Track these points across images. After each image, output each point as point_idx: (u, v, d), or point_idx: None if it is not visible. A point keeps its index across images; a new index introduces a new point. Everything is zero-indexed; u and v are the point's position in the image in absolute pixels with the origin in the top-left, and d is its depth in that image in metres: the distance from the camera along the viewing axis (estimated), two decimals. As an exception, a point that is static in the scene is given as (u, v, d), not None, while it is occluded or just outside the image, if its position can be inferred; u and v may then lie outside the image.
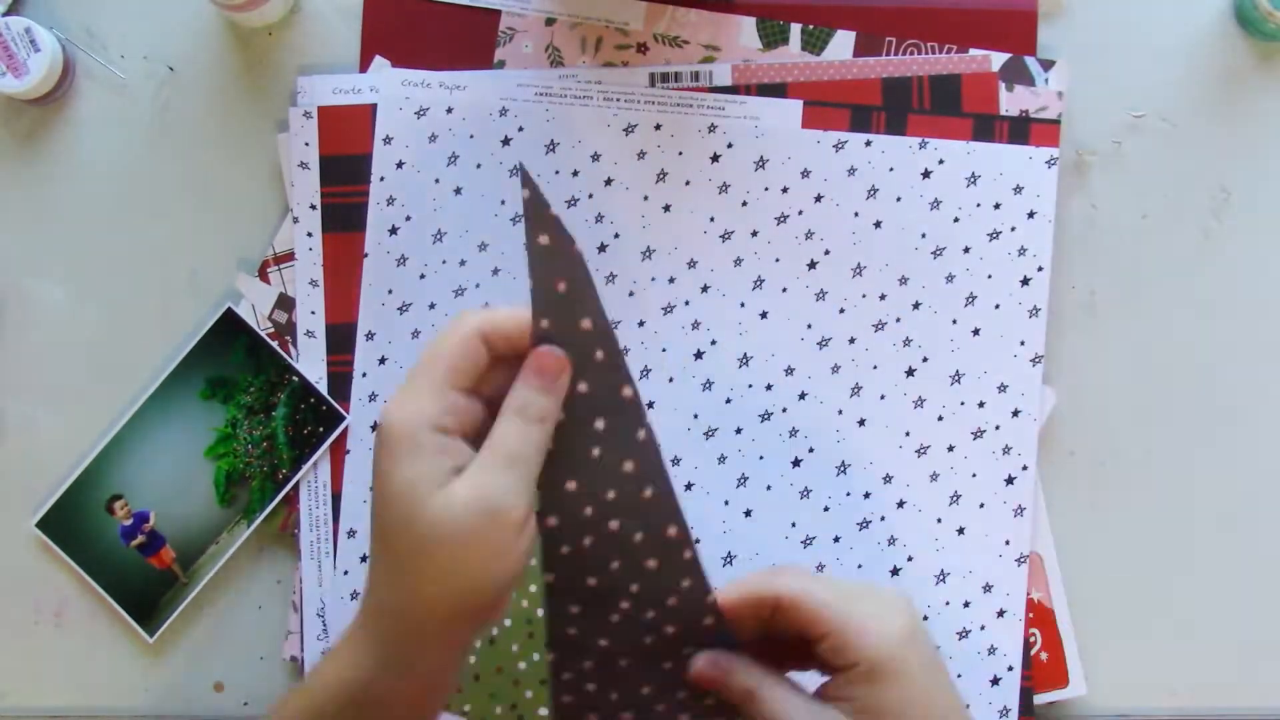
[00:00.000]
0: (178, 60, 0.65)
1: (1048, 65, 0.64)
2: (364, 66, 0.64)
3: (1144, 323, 0.65)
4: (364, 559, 0.63)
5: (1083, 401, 0.64)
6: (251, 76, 0.65)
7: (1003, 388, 0.63)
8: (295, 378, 0.63)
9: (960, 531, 0.62)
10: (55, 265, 0.65)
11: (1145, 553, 0.64)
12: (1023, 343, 0.63)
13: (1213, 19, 0.65)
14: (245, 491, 0.63)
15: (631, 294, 0.63)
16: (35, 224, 0.65)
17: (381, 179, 0.64)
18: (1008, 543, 0.63)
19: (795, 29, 0.64)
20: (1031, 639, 0.63)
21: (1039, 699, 0.63)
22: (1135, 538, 0.64)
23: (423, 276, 0.64)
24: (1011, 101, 0.64)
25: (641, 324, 0.63)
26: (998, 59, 0.64)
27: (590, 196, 0.64)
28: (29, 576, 0.64)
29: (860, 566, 0.63)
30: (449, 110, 0.64)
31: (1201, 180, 0.65)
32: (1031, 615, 0.63)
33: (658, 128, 0.64)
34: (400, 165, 0.64)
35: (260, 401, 0.63)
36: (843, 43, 0.64)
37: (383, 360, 0.64)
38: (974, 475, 0.63)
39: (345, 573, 0.63)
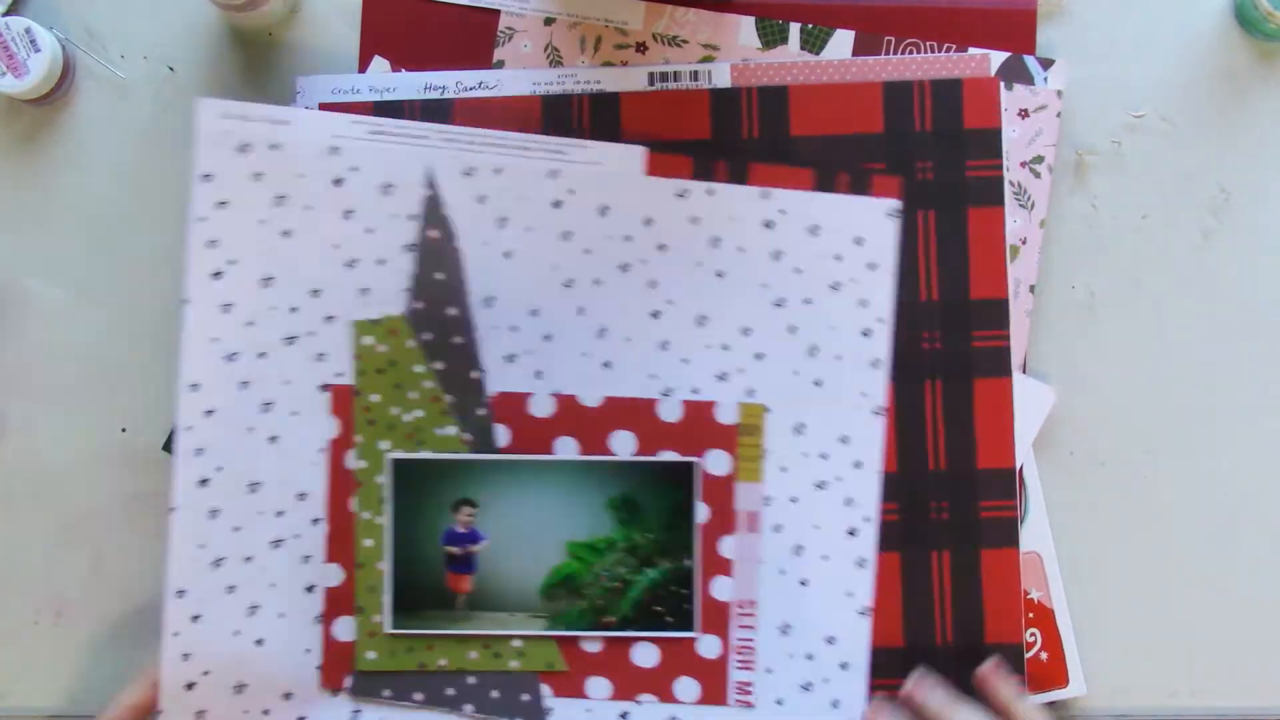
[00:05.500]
0: (178, 60, 0.65)
1: (1047, 64, 0.64)
2: (363, 67, 0.64)
3: (1143, 323, 0.65)
4: (195, 619, 0.59)
5: (1081, 402, 0.64)
6: (251, 76, 0.65)
7: (845, 439, 0.62)
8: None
9: (803, 584, 0.62)
10: (55, 265, 0.65)
11: (1145, 552, 0.64)
12: (864, 394, 0.62)
13: (1213, 19, 0.65)
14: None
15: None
16: (35, 224, 0.65)
17: (202, 219, 0.60)
18: (850, 595, 0.62)
19: (794, 28, 0.64)
20: (1031, 639, 0.63)
21: (1038, 699, 0.63)
22: (1135, 538, 0.64)
23: (251, 323, 0.60)
24: (1010, 101, 0.64)
25: (482, 372, 0.62)
26: (997, 58, 0.64)
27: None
28: (28, 576, 0.64)
29: None
30: (273, 146, 0.60)
31: (1201, 180, 0.65)
32: (1031, 615, 0.63)
33: (497, 172, 0.61)
34: (223, 205, 0.60)
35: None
36: (842, 42, 0.64)
37: (210, 412, 0.60)
38: (816, 527, 0.62)
39: (175, 634, 0.60)
